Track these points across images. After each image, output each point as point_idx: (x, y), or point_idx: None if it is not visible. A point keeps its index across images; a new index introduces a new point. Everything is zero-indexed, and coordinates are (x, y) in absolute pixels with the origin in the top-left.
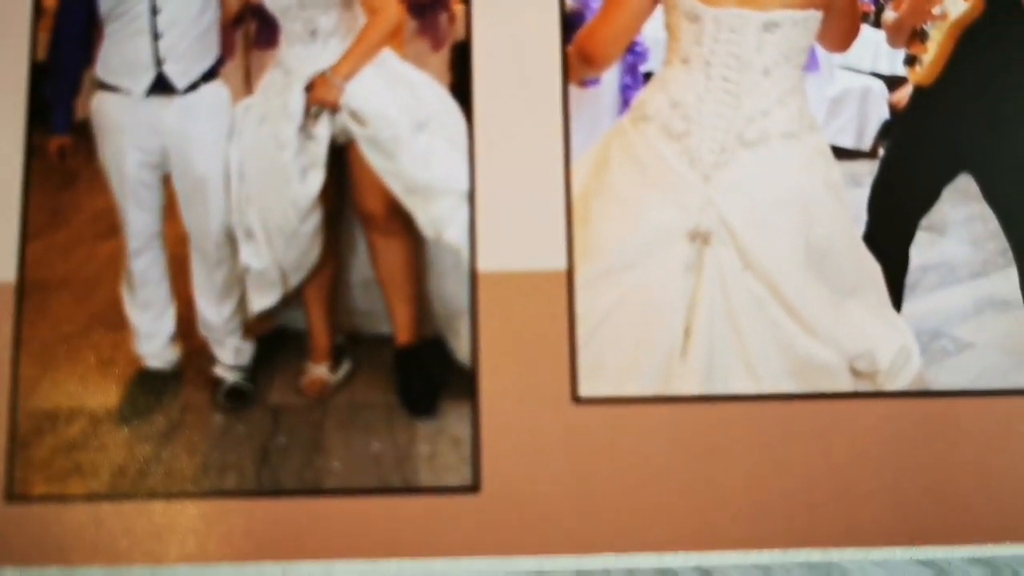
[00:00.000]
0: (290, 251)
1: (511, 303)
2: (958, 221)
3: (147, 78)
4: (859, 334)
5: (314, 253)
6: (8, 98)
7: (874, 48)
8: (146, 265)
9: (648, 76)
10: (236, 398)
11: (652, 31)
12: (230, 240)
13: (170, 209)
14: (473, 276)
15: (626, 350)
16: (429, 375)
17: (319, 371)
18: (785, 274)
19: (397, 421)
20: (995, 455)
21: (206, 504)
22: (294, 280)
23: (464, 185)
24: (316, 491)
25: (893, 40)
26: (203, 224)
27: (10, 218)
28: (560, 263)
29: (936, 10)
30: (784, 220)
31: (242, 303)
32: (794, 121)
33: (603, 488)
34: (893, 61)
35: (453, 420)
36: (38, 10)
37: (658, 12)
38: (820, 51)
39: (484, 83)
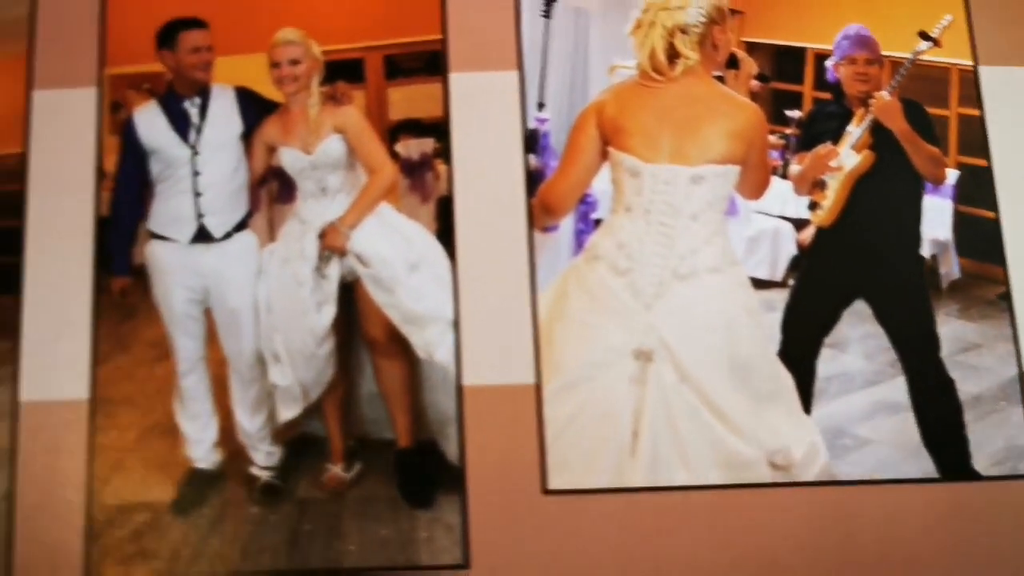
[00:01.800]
0: (309, 371)
1: (490, 412)
2: (855, 338)
3: (190, 229)
4: (776, 433)
5: (329, 372)
6: (78, 247)
7: (783, 196)
8: (194, 383)
9: (598, 222)
10: (269, 493)
11: (600, 184)
12: (261, 362)
13: (212, 337)
14: (459, 390)
15: (586, 449)
16: (426, 473)
17: (336, 470)
18: (713, 384)
19: (401, 511)
20: (891, 533)
21: None
22: (314, 395)
23: (450, 314)
24: (337, 570)
25: (798, 189)
26: (238, 349)
27: (82, 346)
28: (530, 378)
29: (833, 163)
30: (712, 340)
31: (272, 414)
32: (719, 257)
33: (570, 563)
34: (799, 206)
35: (446, 510)
36: (100, 173)
37: (605, 169)
38: (738, 199)
39: (464, 230)
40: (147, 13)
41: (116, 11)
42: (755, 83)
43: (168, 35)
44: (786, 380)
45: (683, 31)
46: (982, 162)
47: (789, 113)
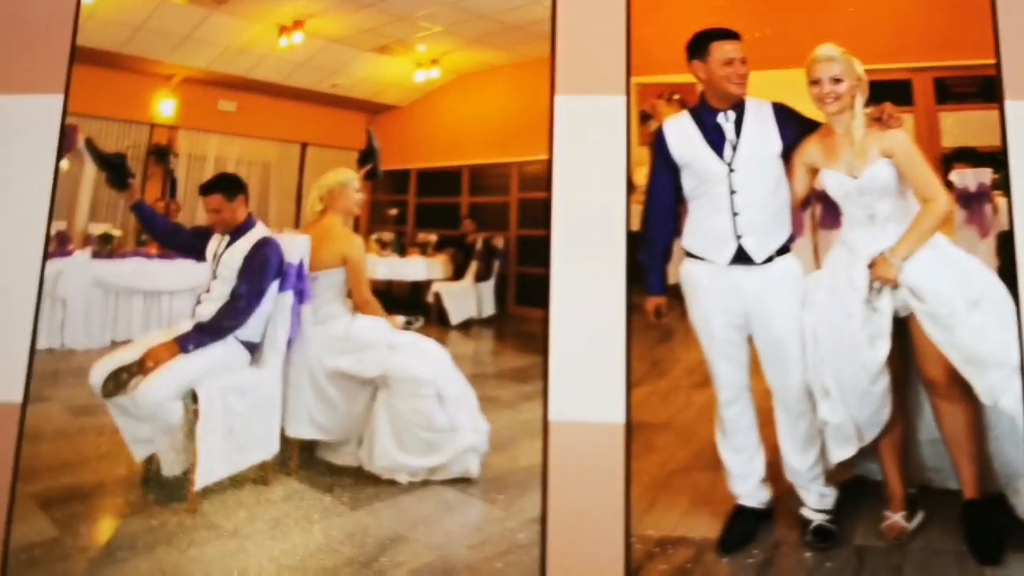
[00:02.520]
0: (863, 409)
1: None
2: None
3: (729, 250)
4: None
5: (885, 412)
6: (608, 261)
7: None
8: (737, 414)
9: None
10: (823, 538)
11: None
12: (809, 396)
13: (755, 366)
14: None
15: None
16: (994, 528)
17: (897, 518)
18: None
19: (968, 567)
20: None
21: None
22: (868, 435)
23: (1016, 358)
24: None
25: None
26: (784, 380)
27: (616, 366)
28: None
29: None
30: None
31: (823, 453)
32: None
33: None
34: None
35: (1015, 568)
36: (630, 185)
37: None
38: None
39: None
40: (673, 22)
41: (640, 18)
42: None
43: (700, 45)
44: None
45: None
46: None
47: None
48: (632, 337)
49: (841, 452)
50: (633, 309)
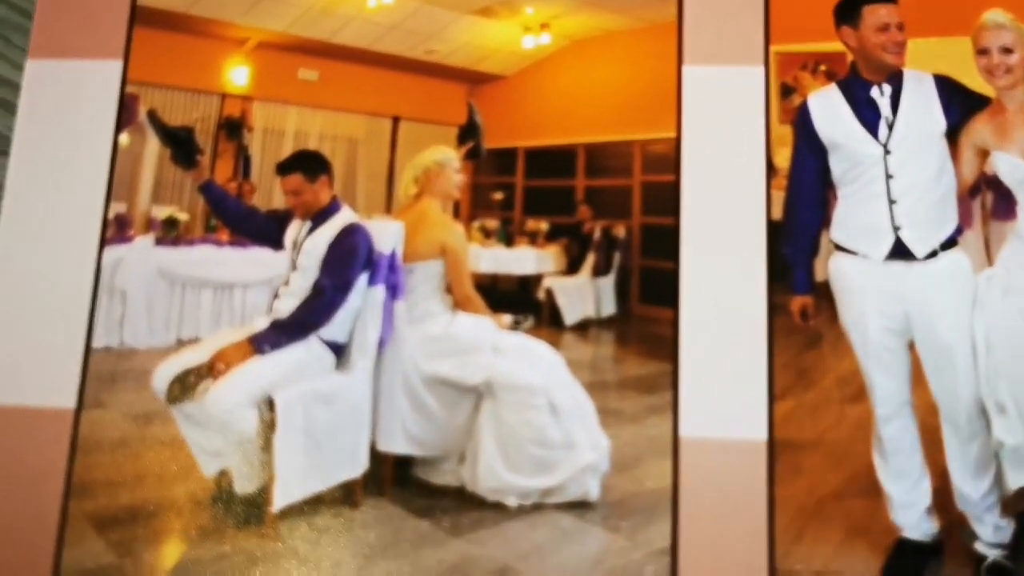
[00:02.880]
0: None
1: None
2: None
3: (886, 244)
4: None
5: None
6: (745, 254)
7: None
8: (897, 433)
9: None
10: (999, 575)
11: None
12: (981, 412)
13: (917, 377)
14: None
15: None
16: None
17: None
18: None
19: None
20: None
21: None
22: None
23: None
24: None
25: None
26: (952, 395)
27: (757, 376)
28: None
29: None
30: None
31: (999, 478)
32: None
33: None
34: None
35: None
36: (770, 168)
37: None
38: None
39: None
40: None
41: None
42: None
43: (850, 9)
44: None
45: None
46: None
47: None
48: (775, 342)
49: (1021, 477)
50: (776, 310)
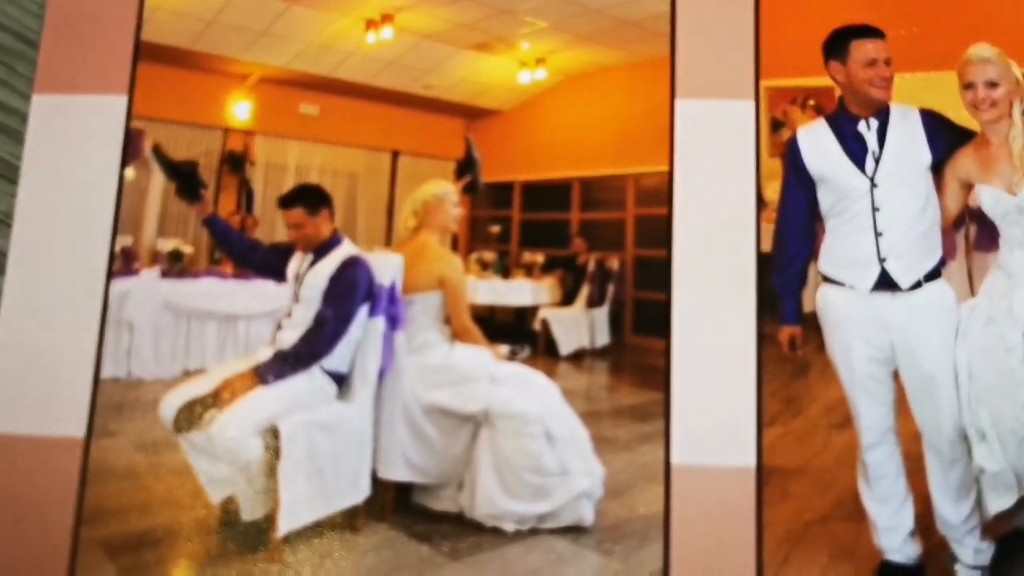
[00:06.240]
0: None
1: None
2: None
3: (871, 275)
4: None
5: None
6: (736, 286)
7: None
8: (881, 459)
9: None
10: None
11: None
12: (964, 440)
13: (901, 405)
14: None
15: None
16: None
17: None
18: None
19: None
20: None
21: None
22: None
23: None
24: None
25: None
26: (935, 422)
27: (746, 404)
28: None
29: None
30: None
31: (979, 503)
32: None
33: None
34: None
35: None
36: (759, 202)
37: None
38: None
39: None
40: (808, 18)
41: (771, 14)
42: None
43: (838, 44)
44: None
45: None
46: None
47: None
48: (764, 371)
49: (1000, 502)
50: (765, 340)
